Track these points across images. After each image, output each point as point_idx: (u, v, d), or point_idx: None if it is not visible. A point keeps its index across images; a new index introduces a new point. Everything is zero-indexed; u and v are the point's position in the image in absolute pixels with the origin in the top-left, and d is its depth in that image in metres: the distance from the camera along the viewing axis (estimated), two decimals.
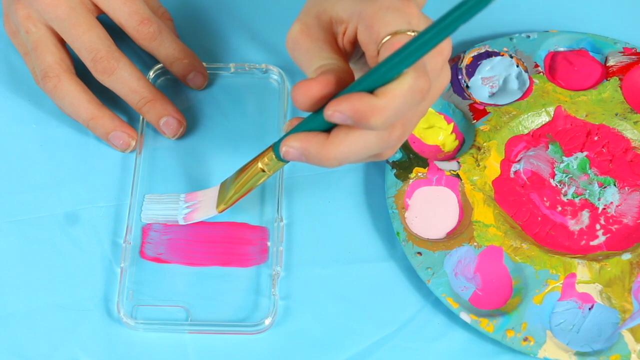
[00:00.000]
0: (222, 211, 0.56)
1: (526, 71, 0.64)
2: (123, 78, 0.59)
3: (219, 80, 0.65)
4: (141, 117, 0.62)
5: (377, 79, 0.46)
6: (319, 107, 0.48)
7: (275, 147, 0.52)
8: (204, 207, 0.57)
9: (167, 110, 0.61)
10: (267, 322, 0.54)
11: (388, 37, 0.48)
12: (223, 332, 0.54)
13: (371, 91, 0.46)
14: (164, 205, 0.58)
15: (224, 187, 0.56)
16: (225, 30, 0.67)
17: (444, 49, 0.50)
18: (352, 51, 0.52)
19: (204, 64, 0.64)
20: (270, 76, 0.64)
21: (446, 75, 0.52)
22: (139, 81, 0.60)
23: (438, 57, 0.50)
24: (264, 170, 0.53)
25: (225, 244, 0.58)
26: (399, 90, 0.46)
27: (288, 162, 0.52)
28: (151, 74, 0.64)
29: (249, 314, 0.55)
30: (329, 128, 0.48)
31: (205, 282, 0.56)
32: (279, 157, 0.52)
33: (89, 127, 0.60)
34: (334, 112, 0.47)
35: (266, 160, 0.53)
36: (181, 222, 0.58)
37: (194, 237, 0.58)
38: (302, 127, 0.50)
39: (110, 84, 0.60)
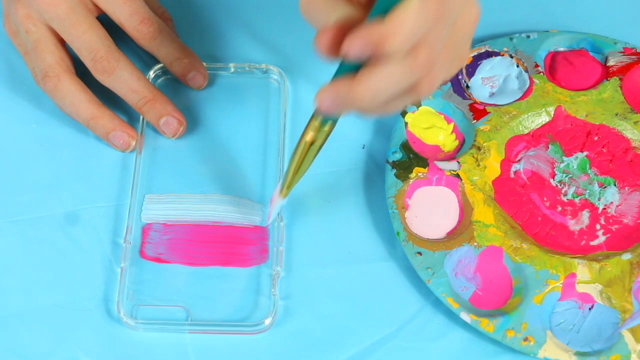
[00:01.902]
0: (285, 195, 0.56)
1: (526, 71, 0.64)
2: (123, 78, 0.59)
3: (219, 80, 0.65)
4: (141, 117, 0.62)
5: (385, 3, 0.46)
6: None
7: (315, 113, 0.52)
8: (274, 201, 0.57)
9: (167, 110, 0.61)
10: (267, 322, 0.54)
11: None
12: (223, 332, 0.54)
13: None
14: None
15: (286, 173, 0.56)
16: (225, 30, 0.67)
17: None
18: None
19: (204, 64, 0.64)
20: (270, 76, 0.64)
21: (473, 7, 0.50)
22: (139, 81, 0.60)
23: None
24: (312, 143, 0.53)
25: (226, 244, 0.58)
26: (407, 9, 0.45)
27: (332, 123, 0.52)
28: (151, 73, 0.64)
29: (249, 314, 0.55)
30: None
31: (205, 282, 0.56)
32: (320, 122, 0.51)
33: (89, 127, 0.60)
34: (348, 48, 0.46)
35: (310, 131, 0.52)
36: (264, 224, 0.59)
37: (194, 237, 0.58)
38: (332, 78, 0.49)
39: (110, 84, 0.60)
